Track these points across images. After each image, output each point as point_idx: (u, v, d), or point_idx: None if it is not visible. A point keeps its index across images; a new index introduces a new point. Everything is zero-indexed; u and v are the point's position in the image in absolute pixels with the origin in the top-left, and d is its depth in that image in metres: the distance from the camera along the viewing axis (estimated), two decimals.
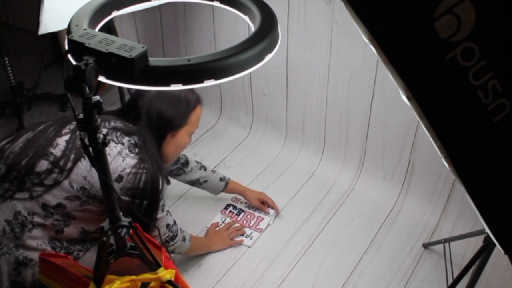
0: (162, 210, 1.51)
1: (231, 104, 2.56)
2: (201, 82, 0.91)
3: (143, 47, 0.88)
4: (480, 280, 1.45)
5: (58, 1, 1.63)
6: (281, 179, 2.24)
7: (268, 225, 2.00)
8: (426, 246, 1.90)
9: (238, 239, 1.93)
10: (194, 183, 1.94)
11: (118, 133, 1.41)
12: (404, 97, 0.92)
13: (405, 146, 2.00)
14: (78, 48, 0.90)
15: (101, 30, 1.01)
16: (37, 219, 1.33)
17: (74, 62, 0.91)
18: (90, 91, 0.89)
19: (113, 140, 1.39)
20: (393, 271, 1.81)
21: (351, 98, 2.06)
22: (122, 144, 1.39)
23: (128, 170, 1.36)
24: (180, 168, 1.89)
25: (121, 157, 1.37)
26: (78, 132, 1.38)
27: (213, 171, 1.97)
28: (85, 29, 0.96)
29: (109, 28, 2.09)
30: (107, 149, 1.35)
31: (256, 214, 2.04)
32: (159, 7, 2.57)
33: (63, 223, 1.36)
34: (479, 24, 0.90)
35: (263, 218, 2.02)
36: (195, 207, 2.08)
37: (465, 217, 1.93)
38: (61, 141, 1.38)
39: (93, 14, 1.05)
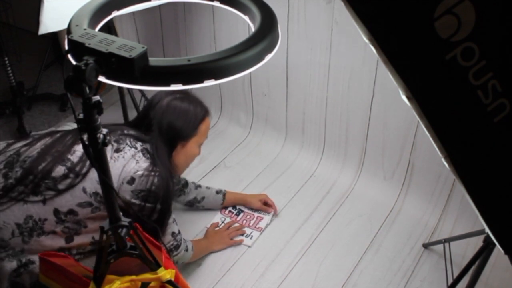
0: (169, 217, 1.53)
1: (231, 104, 2.56)
2: (201, 82, 0.91)
3: (143, 47, 0.88)
4: (480, 280, 1.45)
5: (58, 1, 1.63)
6: (281, 179, 2.24)
7: (267, 224, 2.00)
8: (426, 246, 1.90)
9: (237, 238, 1.93)
10: (193, 202, 1.98)
11: (132, 139, 1.46)
12: (404, 97, 0.92)
13: (405, 146, 2.00)
14: (78, 48, 0.90)
15: (101, 30, 1.01)
16: (47, 226, 1.34)
17: (74, 62, 0.91)
18: (90, 91, 0.89)
19: (127, 144, 1.44)
20: (393, 271, 1.81)
21: (351, 98, 2.06)
22: (136, 148, 1.44)
23: (140, 173, 1.39)
24: (181, 189, 1.93)
25: (135, 160, 1.41)
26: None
27: (207, 187, 2.00)
28: (85, 29, 0.96)
29: (109, 28, 2.09)
30: (121, 152, 1.41)
31: (256, 214, 2.04)
32: (159, 7, 2.57)
33: (73, 231, 1.36)
34: (479, 24, 0.90)
35: (262, 218, 2.02)
36: (194, 207, 2.08)
37: (465, 217, 1.93)
38: (79, 148, 1.41)
39: (93, 14, 1.05)
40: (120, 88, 2.27)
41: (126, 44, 0.89)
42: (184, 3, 2.41)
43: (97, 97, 0.91)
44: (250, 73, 2.29)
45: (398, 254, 1.87)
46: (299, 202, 2.12)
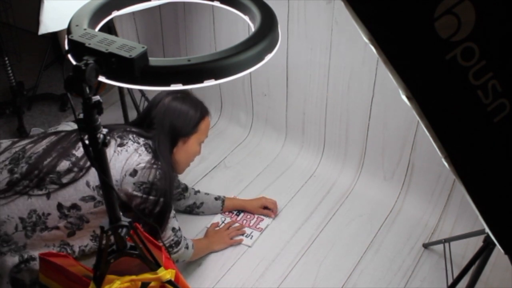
0: (170, 211, 1.55)
1: (231, 104, 2.56)
2: (201, 82, 0.91)
3: (143, 47, 0.88)
4: (480, 280, 1.45)
5: (58, 1, 1.63)
6: (281, 179, 2.24)
7: (268, 225, 2.00)
8: (426, 246, 1.90)
9: (237, 238, 1.93)
10: (193, 208, 1.99)
11: (135, 135, 1.50)
12: (404, 97, 0.92)
13: (405, 146, 2.00)
14: (78, 48, 0.90)
15: (101, 30, 1.01)
16: (51, 221, 1.36)
17: (74, 62, 0.91)
18: (90, 91, 0.89)
19: (130, 139, 1.48)
20: (393, 271, 1.81)
21: (351, 98, 2.06)
22: (138, 143, 1.48)
23: (142, 165, 1.43)
24: (181, 193, 1.95)
25: (137, 154, 1.45)
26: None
27: (206, 193, 2.01)
28: (85, 29, 0.96)
29: (109, 28, 2.09)
30: (124, 147, 1.45)
31: (256, 215, 2.04)
32: (159, 7, 2.57)
33: (76, 226, 1.39)
34: (479, 24, 0.90)
35: (263, 219, 2.02)
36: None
37: (465, 217, 1.93)
38: None
39: (93, 14, 1.05)
40: (120, 88, 2.27)
41: (126, 44, 0.89)
42: (184, 3, 2.41)
43: (97, 97, 0.91)
44: (250, 73, 2.29)
45: (398, 254, 1.87)
46: (299, 202, 2.12)
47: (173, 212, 1.57)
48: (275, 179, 2.23)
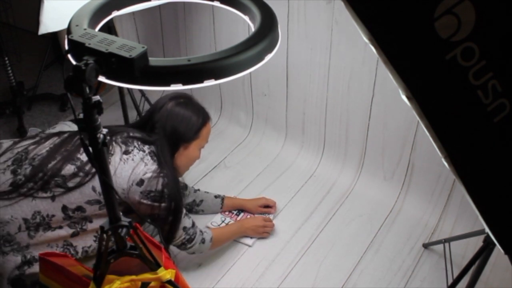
0: (181, 214, 1.57)
1: (231, 104, 2.56)
2: (201, 82, 0.91)
3: (143, 47, 0.88)
4: (480, 280, 1.45)
5: (58, 1, 1.63)
6: (281, 179, 2.24)
7: None
8: (426, 246, 1.89)
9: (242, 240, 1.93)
10: (192, 206, 1.99)
11: (139, 142, 1.52)
12: (404, 97, 0.92)
13: (405, 146, 2.00)
14: (78, 48, 0.90)
15: (101, 30, 1.01)
16: (54, 221, 1.37)
17: (74, 62, 0.91)
18: (90, 91, 0.89)
19: (135, 147, 1.49)
20: (393, 271, 1.81)
21: (351, 98, 2.06)
22: (143, 151, 1.50)
23: (149, 175, 1.45)
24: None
25: (143, 163, 1.47)
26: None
27: (206, 192, 2.02)
28: (85, 29, 0.96)
29: (109, 28, 2.09)
30: (130, 155, 1.47)
31: (256, 214, 2.03)
32: (159, 7, 2.57)
33: (79, 226, 1.39)
34: (479, 24, 0.90)
35: None
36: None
37: (465, 217, 1.93)
38: None
39: (93, 14, 1.05)
40: (120, 88, 2.27)
41: (126, 44, 0.89)
42: (184, 3, 2.41)
43: (97, 97, 0.91)
44: (250, 73, 2.29)
45: (398, 254, 1.87)
46: (299, 202, 2.12)
47: (184, 212, 1.59)
48: (275, 179, 2.23)
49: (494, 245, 1.32)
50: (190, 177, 2.18)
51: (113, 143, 1.46)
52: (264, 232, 1.92)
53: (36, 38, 2.04)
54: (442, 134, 0.96)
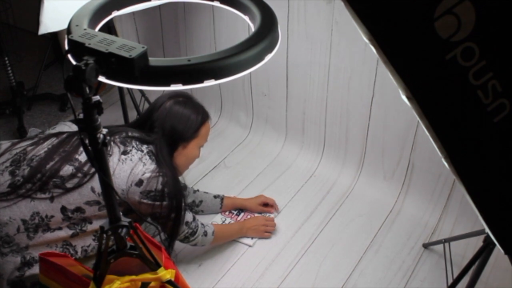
0: (184, 211, 1.58)
1: (231, 104, 2.56)
2: (201, 82, 0.91)
3: (143, 47, 0.88)
4: (480, 280, 1.45)
5: (58, 1, 1.63)
6: (281, 179, 2.24)
7: None
8: (426, 246, 1.89)
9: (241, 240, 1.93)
10: (192, 206, 1.99)
11: (138, 142, 1.51)
12: (404, 97, 0.92)
13: (405, 146, 2.00)
14: (78, 48, 0.90)
15: (101, 30, 1.01)
16: (53, 222, 1.36)
17: (74, 62, 0.91)
18: (90, 91, 0.89)
19: (134, 147, 1.49)
20: (393, 271, 1.81)
21: (351, 98, 2.06)
22: (142, 151, 1.49)
23: (148, 175, 1.45)
24: None
25: (142, 163, 1.46)
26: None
27: (205, 192, 2.01)
28: (85, 29, 0.96)
29: (109, 28, 2.09)
30: (129, 155, 1.46)
31: (256, 214, 2.03)
32: (159, 7, 2.57)
33: (79, 228, 1.39)
34: (479, 24, 0.90)
35: None
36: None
37: (465, 217, 1.93)
38: None
39: (93, 14, 1.05)
40: (120, 88, 2.27)
41: (126, 44, 0.89)
42: (184, 3, 2.41)
43: (97, 97, 0.91)
44: (250, 73, 2.29)
45: (398, 254, 1.87)
46: (299, 202, 2.12)
47: (185, 207, 1.60)
48: (275, 179, 2.23)
49: (494, 245, 1.32)
50: (190, 177, 2.18)
51: (111, 143, 1.46)
52: (266, 231, 1.92)
53: (36, 38, 2.05)
54: (442, 134, 0.96)
